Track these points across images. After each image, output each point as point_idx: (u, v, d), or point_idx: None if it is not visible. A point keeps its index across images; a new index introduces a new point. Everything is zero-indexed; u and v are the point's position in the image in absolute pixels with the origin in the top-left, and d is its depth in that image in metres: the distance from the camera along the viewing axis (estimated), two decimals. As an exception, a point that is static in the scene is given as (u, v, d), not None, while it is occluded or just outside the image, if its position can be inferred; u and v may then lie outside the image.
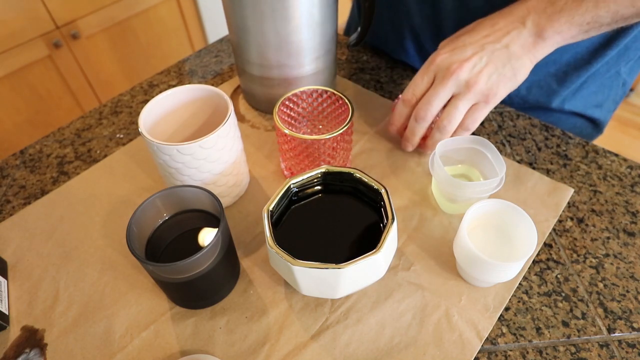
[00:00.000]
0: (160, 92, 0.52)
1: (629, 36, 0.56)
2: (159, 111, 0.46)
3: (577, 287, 0.43)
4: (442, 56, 0.46)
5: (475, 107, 0.46)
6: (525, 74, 0.46)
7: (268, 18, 0.49)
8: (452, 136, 0.49)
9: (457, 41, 0.47)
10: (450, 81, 0.45)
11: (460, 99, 0.45)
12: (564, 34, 0.44)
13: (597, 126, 0.69)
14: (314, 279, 0.35)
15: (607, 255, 0.46)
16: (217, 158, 0.43)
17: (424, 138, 0.52)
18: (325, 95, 0.50)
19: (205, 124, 0.50)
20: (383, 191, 0.38)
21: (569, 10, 0.43)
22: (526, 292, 0.43)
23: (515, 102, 0.64)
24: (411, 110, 0.49)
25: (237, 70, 0.60)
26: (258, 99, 0.60)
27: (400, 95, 0.51)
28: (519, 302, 0.42)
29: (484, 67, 0.44)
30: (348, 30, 0.85)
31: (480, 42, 0.45)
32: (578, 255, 0.46)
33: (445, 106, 0.47)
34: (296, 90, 0.49)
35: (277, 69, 0.54)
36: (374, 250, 0.35)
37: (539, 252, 0.46)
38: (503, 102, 0.63)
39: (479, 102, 0.46)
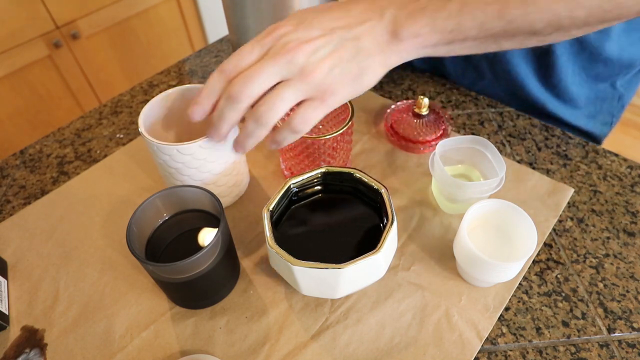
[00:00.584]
0: (160, 92, 0.52)
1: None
2: (159, 111, 0.46)
3: (577, 287, 0.43)
4: (283, 29, 0.37)
5: (308, 104, 0.37)
6: (373, 79, 0.38)
7: (268, 18, 0.49)
8: (275, 136, 0.39)
9: (306, 15, 0.38)
10: (281, 60, 0.35)
11: (288, 86, 0.36)
12: (423, 38, 0.37)
13: (588, 137, 0.67)
14: (314, 279, 0.35)
15: (607, 255, 0.46)
16: (217, 158, 0.43)
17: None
18: (325, 95, 0.50)
19: (205, 124, 0.50)
20: (383, 191, 0.38)
21: (431, 10, 0.36)
22: (526, 292, 0.43)
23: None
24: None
25: None
26: None
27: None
28: (519, 302, 0.42)
29: (327, 56, 0.36)
30: None
31: (330, 26, 0.37)
32: (578, 255, 0.46)
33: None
34: (296, 90, 0.49)
35: None
36: (374, 250, 0.35)
37: (539, 252, 0.46)
38: (503, 102, 0.64)
39: (313, 98, 0.36)
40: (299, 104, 0.37)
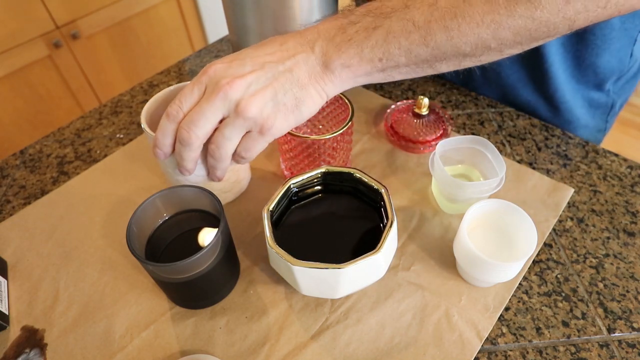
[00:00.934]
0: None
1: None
2: (161, 107, 0.46)
3: (577, 287, 0.43)
4: (216, 66, 0.38)
5: (249, 135, 0.38)
6: (312, 108, 0.38)
7: (268, 18, 0.49)
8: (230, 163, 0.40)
9: (240, 52, 0.39)
10: (217, 98, 0.36)
11: (228, 126, 0.37)
12: (355, 68, 0.37)
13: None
14: (314, 279, 0.35)
15: (607, 255, 0.46)
16: None
17: None
18: (325, 95, 0.50)
19: None
20: (383, 191, 0.38)
21: (358, 41, 0.36)
22: (526, 292, 0.43)
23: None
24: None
25: None
26: None
27: None
28: (519, 302, 0.42)
29: (260, 90, 0.36)
30: None
31: (262, 60, 0.37)
32: (578, 255, 0.46)
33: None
34: (296, 90, 0.49)
35: None
36: (374, 250, 0.35)
37: (539, 252, 0.46)
38: (503, 102, 0.64)
39: (253, 130, 0.37)
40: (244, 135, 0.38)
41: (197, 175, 0.44)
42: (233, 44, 0.56)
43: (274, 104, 0.37)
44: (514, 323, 0.41)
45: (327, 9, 0.51)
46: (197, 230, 0.42)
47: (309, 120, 0.53)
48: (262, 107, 0.36)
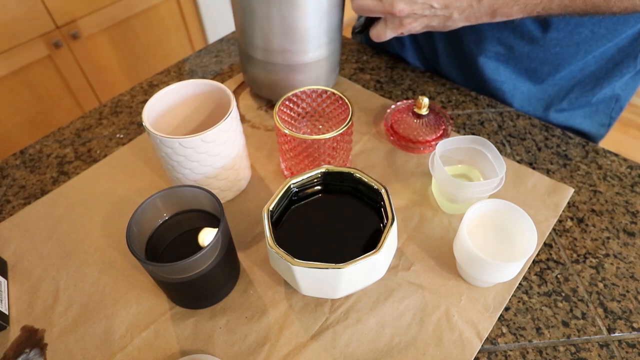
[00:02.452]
0: (160, 92, 0.52)
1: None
2: (162, 105, 0.46)
3: (577, 287, 0.43)
4: None
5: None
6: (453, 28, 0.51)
7: (274, 2, 0.48)
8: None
9: None
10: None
11: (424, 20, 0.50)
12: (512, 17, 0.48)
13: (587, 138, 0.66)
14: (314, 279, 0.35)
15: (607, 255, 0.46)
16: (219, 152, 0.43)
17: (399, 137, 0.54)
18: (325, 96, 0.50)
19: (207, 119, 0.50)
20: (383, 191, 0.38)
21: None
22: (526, 292, 0.43)
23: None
24: None
25: (240, 54, 0.59)
26: (260, 84, 0.59)
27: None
28: (519, 302, 0.42)
29: (418, 19, 0.50)
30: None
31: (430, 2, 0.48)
32: (578, 255, 0.46)
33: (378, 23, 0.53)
34: (296, 91, 0.49)
35: (281, 54, 0.53)
36: (374, 250, 0.35)
37: (539, 252, 0.46)
38: (502, 102, 0.64)
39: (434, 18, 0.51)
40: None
41: (197, 174, 0.44)
42: (241, 48, 0.56)
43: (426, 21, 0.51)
44: (514, 323, 0.41)
45: (335, 12, 0.51)
46: (197, 230, 0.42)
47: (309, 120, 0.53)
48: (415, 26, 0.51)
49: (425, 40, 0.68)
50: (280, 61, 0.54)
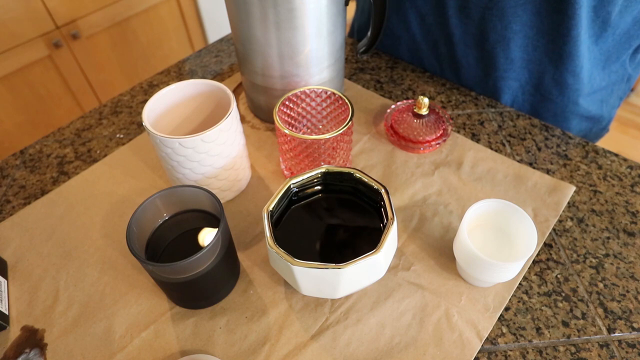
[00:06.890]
0: (160, 92, 0.52)
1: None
2: (162, 105, 0.46)
3: (577, 287, 0.43)
4: None
5: None
6: None
7: (275, 28, 0.48)
8: None
9: None
10: None
11: None
12: None
13: (598, 123, 0.66)
14: (314, 279, 0.35)
15: (607, 255, 0.46)
16: (219, 152, 0.43)
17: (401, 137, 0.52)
18: (325, 96, 0.50)
19: (207, 119, 0.50)
20: (383, 191, 0.38)
21: None
22: (526, 292, 0.43)
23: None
24: None
25: (243, 79, 0.59)
26: (262, 108, 0.58)
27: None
28: (519, 302, 0.42)
29: None
30: (351, 30, 0.83)
31: None
32: (578, 255, 0.46)
33: None
34: (296, 91, 0.49)
35: (284, 79, 0.52)
36: (374, 250, 0.35)
37: (539, 252, 0.46)
38: (504, 102, 0.63)
39: None
40: None
41: (197, 174, 0.44)
42: (239, 53, 0.55)
43: None
44: (514, 323, 0.41)
45: (336, 17, 0.50)
46: (197, 230, 0.42)
47: (309, 120, 0.53)
48: None
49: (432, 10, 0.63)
50: (281, 87, 0.53)
